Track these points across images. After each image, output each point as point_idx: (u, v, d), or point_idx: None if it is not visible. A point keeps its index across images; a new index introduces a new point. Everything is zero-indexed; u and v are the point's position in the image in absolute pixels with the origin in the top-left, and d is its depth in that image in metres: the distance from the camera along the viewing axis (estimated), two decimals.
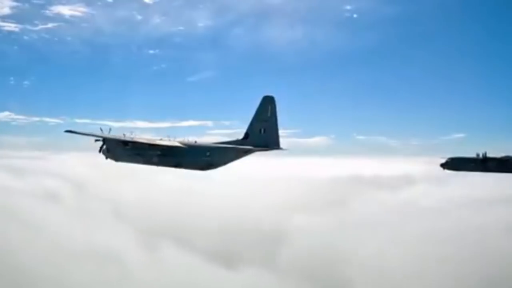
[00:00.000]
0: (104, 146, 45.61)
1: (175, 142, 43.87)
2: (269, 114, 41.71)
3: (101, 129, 42.96)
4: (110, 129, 43.31)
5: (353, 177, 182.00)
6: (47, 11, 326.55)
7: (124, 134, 44.03)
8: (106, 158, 46.44)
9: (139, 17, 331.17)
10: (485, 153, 63.30)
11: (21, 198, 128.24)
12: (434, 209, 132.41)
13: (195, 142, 44.51)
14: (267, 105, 41.83)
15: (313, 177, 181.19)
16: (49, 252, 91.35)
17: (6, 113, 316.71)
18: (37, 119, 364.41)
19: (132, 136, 43.93)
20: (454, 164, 64.58)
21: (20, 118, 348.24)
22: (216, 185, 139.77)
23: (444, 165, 64.84)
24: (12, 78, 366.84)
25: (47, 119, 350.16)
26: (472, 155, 64.41)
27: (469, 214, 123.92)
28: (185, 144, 43.75)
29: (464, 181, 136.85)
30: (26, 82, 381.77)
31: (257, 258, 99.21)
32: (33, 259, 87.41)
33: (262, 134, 41.85)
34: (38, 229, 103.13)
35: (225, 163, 43.52)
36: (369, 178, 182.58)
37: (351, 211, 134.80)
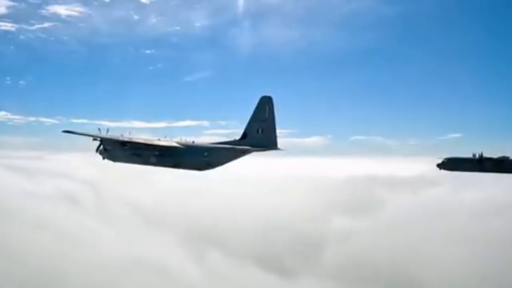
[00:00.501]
0: (102, 146, 45.48)
1: (173, 143, 43.84)
2: (267, 114, 41.76)
3: (99, 129, 42.91)
4: (108, 130, 43.29)
5: (368, 178, 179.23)
6: (44, 11, 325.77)
7: (121, 134, 43.95)
8: (103, 158, 46.27)
9: (136, 17, 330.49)
10: (481, 154, 63.57)
11: (41, 203, 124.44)
12: (470, 208, 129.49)
13: (193, 142, 44.50)
14: (265, 105, 41.87)
15: (327, 177, 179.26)
16: (91, 264, 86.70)
17: (3, 113, 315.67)
18: (33, 119, 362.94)
19: (129, 136, 43.85)
20: (451, 164, 64.74)
21: (17, 118, 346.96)
22: (231, 185, 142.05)
23: (440, 165, 65.02)
24: (8, 78, 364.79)
25: (44, 119, 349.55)
26: (469, 155, 64.67)
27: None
28: (183, 144, 43.73)
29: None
30: (22, 82, 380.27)
31: (304, 261, 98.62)
32: (74, 271, 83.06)
33: (260, 134, 41.90)
34: (70, 237, 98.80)
35: (223, 163, 43.52)
36: (385, 178, 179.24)
37: (386, 212, 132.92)
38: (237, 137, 43.52)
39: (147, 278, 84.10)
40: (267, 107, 41.84)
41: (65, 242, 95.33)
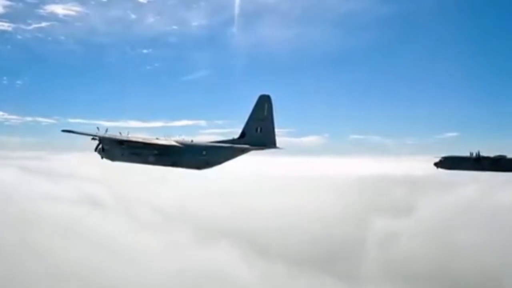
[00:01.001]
0: (100, 146, 45.56)
1: (171, 141, 43.90)
2: (265, 113, 41.81)
3: (97, 128, 42.94)
4: (106, 129, 43.31)
5: (382, 177, 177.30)
6: (41, 10, 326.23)
7: (120, 133, 44.02)
8: (102, 157, 46.33)
9: (133, 16, 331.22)
10: (478, 152, 63.95)
11: (67, 207, 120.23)
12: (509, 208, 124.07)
13: (192, 141, 44.60)
14: (263, 104, 41.91)
15: (342, 177, 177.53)
16: (140, 274, 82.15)
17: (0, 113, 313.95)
18: (30, 119, 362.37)
19: (128, 135, 43.92)
20: (448, 163, 65.16)
21: (14, 118, 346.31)
22: (248, 185, 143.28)
23: (437, 164, 65.43)
24: (5, 78, 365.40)
25: (41, 119, 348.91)
26: (465, 153, 65.06)
27: None
28: (181, 143, 43.78)
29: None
30: (19, 82, 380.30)
31: (354, 263, 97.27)
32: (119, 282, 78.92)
33: (259, 133, 41.96)
34: (106, 244, 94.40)
35: (221, 162, 43.59)
36: (401, 177, 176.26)
37: (423, 212, 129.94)
38: (235, 136, 43.67)
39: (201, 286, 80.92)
40: (266, 106, 41.89)
41: (103, 250, 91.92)
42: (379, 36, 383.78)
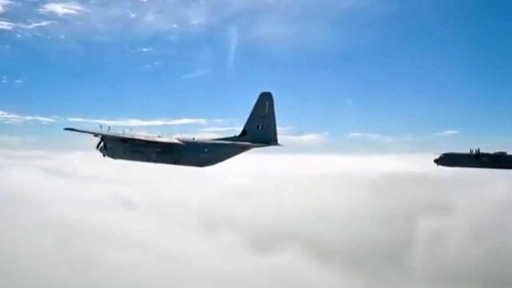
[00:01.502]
0: (102, 144, 45.80)
1: (173, 139, 44.10)
2: (266, 110, 41.91)
3: (100, 127, 43.16)
4: (109, 127, 43.53)
5: (403, 175, 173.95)
6: (41, 9, 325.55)
7: (123, 131, 44.22)
8: (104, 155, 46.60)
9: (133, 15, 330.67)
10: (478, 149, 64.29)
11: (103, 210, 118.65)
12: None
13: (193, 139, 44.79)
14: (265, 101, 42.00)
15: (361, 174, 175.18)
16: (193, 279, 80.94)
17: None
18: (30, 118, 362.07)
19: (130, 133, 44.12)
20: (448, 160, 65.58)
21: (13, 117, 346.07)
22: (276, 183, 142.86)
23: (437, 161, 65.82)
24: (5, 77, 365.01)
25: (40, 118, 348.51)
26: (465, 151, 65.42)
27: None
28: (183, 141, 43.97)
29: None
30: (19, 81, 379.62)
31: (397, 264, 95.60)
32: None
33: (260, 130, 42.08)
34: (153, 248, 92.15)
35: (223, 159, 43.75)
36: (419, 175, 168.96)
37: (464, 210, 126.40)
38: (236, 134, 43.86)
39: None
40: (267, 103, 42.01)
41: (151, 254, 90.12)
42: (378, 35, 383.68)
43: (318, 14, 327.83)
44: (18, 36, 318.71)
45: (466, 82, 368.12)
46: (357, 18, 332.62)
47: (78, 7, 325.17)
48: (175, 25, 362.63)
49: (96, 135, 43.99)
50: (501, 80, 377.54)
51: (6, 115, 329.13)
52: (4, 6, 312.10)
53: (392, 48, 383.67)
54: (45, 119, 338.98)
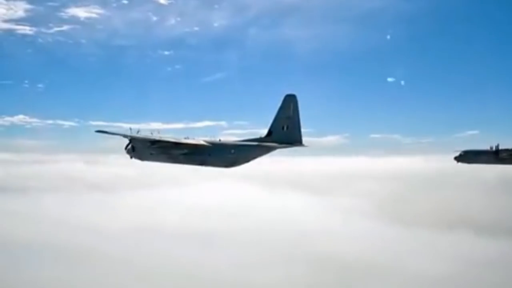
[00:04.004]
0: (130, 145, 47.08)
1: (200, 141, 45.22)
2: (291, 112, 43.02)
3: (130, 129, 44.38)
4: (138, 130, 44.73)
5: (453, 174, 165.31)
6: (62, 13, 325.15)
7: (151, 133, 45.44)
8: (131, 157, 47.91)
9: (154, 18, 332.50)
10: (498, 145, 64.44)
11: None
12: None
13: (219, 140, 45.91)
14: (289, 103, 43.09)
15: (402, 174, 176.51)
16: None
17: (21, 116, 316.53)
18: (51, 122, 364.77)
19: (159, 135, 45.31)
20: (468, 157, 65.94)
21: (35, 121, 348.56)
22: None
23: (458, 158, 66.25)
24: (26, 81, 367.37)
25: (61, 122, 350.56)
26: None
27: None
28: (210, 143, 45.11)
29: None
30: (40, 85, 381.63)
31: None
32: None
33: (285, 131, 43.18)
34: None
35: (249, 160, 44.85)
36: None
37: None
38: (260, 135, 44.91)
39: None
40: (291, 105, 43.10)
41: None
42: (400, 35, 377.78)
43: (338, 15, 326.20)
44: (40, 40, 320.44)
45: (488, 81, 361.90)
46: (379, 18, 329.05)
47: (99, 11, 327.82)
48: (196, 28, 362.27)
49: (125, 137, 45.28)
50: None
51: (28, 119, 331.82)
52: (26, 11, 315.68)
53: (412, 48, 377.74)
54: (66, 123, 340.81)
